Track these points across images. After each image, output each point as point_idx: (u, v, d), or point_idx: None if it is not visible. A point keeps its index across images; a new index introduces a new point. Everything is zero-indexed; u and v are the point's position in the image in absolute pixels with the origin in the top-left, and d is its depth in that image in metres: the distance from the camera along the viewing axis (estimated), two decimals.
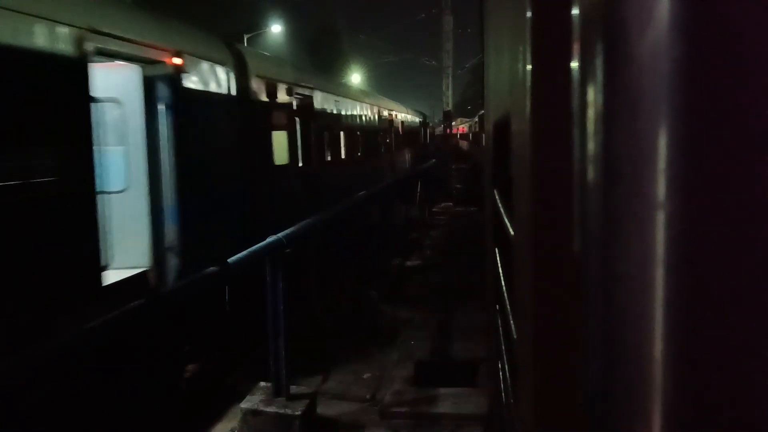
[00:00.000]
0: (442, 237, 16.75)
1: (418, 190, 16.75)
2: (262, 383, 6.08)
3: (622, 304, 0.47)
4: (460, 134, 47.53)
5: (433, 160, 23.07)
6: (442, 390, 6.37)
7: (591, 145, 0.48)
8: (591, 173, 0.48)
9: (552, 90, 0.70)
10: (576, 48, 0.50)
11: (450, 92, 38.72)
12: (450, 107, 39.71)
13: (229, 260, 5.32)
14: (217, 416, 6.17)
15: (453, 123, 43.93)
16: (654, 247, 0.46)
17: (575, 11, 0.49)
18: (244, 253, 5.48)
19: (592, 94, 0.49)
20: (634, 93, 0.48)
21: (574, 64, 0.50)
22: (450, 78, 38.53)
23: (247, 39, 28.52)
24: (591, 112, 0.49)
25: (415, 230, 16.41)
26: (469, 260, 11.19)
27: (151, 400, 6.12)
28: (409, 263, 13.50)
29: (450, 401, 6.11)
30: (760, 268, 0.48)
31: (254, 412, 5.72)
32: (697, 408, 0.47)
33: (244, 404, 5.81)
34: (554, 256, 0.71)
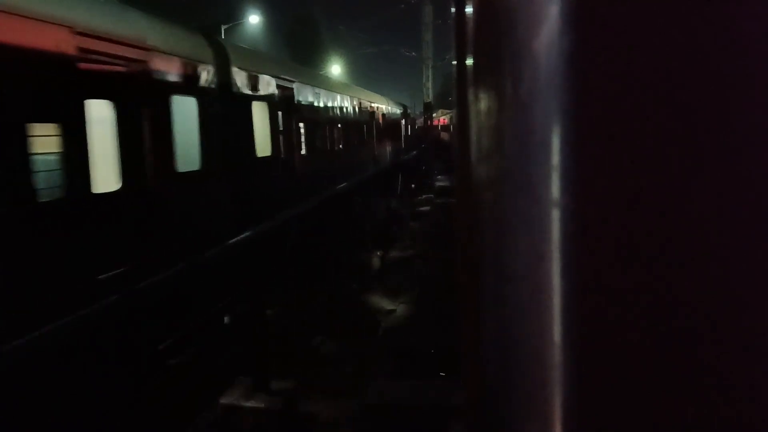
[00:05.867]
0: (424, 229, 16.76)
1: (399, 182, 16.78)
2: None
3: (515, 305, 0.46)
4: (441, 126, 47.45)
5: (414, 152, 23.09)
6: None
7: (484, 141, 0.48)
8: (483, 170, 0.47)
9: (465, 84, 0.69)
10: (472, 43, 0.49)
11: (430, 84, 38.61)
12: (430, 99, 39.63)
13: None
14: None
15: (434, 114, 43.81)
16: (545, 245, 0.46)
17: (469, 9, 0.48)
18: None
19: (488, 89, 0.49)
20: (526, 87, 0.48)
21: (470, 61, 0.50)
22: (430, 69, 38.41)
23: (225, 30, 28.13)
24: (485, 107, 0.48)
25: (397, 222, 16.42)
26: (450, 251, 11.20)
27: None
28: (390, 254, 13.49)
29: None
30: (654, 264, 0.47)
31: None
32: (593, 405, 0.47)
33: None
34: (465, 254, 0.70)
